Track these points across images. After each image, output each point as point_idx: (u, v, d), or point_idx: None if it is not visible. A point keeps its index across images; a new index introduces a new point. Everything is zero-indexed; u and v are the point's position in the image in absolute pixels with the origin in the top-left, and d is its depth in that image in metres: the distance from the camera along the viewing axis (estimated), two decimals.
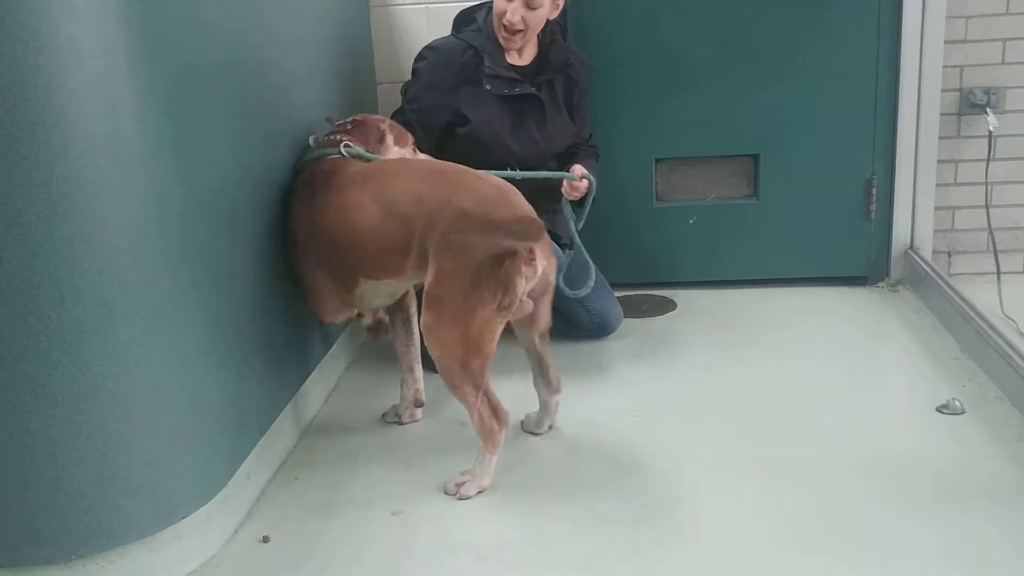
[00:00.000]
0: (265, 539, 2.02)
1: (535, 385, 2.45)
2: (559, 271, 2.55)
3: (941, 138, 3.48)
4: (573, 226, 2.87)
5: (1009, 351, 2.50)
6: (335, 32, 3.04)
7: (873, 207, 3.47)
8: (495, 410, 2.21)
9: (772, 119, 3.40)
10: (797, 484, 2.14)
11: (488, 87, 2.91)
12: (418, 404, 2.60)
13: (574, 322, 3.07)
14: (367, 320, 2.66)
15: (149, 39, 1.74)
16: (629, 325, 3.17)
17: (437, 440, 2.47)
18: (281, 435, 2.40)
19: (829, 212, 3.49)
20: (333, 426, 2.61)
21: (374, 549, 1.98)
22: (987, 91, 3.51)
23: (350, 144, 2.45)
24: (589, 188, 2.86)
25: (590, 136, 3.18)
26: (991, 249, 3.57)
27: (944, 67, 3.40)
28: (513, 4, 2.83)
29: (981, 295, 3.10)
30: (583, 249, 2.84)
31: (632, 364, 2.92)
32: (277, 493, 2.24)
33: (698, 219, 3.44)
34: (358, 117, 2.60)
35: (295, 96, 2.58)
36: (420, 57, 3.02)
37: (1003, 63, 3.51)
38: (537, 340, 2.39)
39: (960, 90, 3.54)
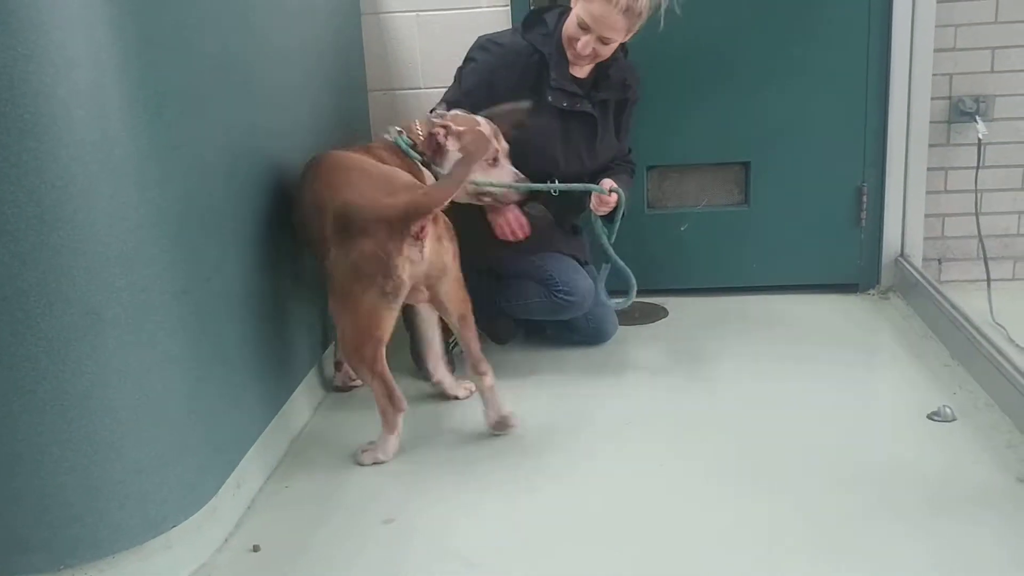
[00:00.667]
0: (255, 548, 2.01)
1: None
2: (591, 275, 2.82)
3: (931, 146, 3.49)
4: (606, 240, 2.80)
5: (999, 358, 2.51)
6: (326, 40, 3.04)
7: (864, 214, 3.48)
8: (390, 395, 2.35)
9: (763, 127, 3.41)
10: (788, 491, 2.14)
11: (550, 98, 2.84)
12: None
13: (571, 327, 3.09)
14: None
15: (139, 47, 1.74)
16: (621, 332, 3.18)
17: (428, 448, 2.46)
18: (271, 443, 2.39)
19: (820, 219, 3.50)
20: (324, 434, 2.60)
21: (365, 558, 1.97)
22: (976, 99, 3.53)
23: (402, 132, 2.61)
24: (618, 202, 2.79)
25: (629, 151, 3.14)
26: (981, 256, 3.59)
27: (934, 75, 3.42)
28: (586, 37, 2.75)
29: (971, 302, 3.11)
30: (619, 261, 2.80)
31: (624, 371, 2.92)
32: (267, 502, 2.23)
33: (689, 226, 3.45)
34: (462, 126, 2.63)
35: (285, 103, 2.58)
36: (482, 48, 2.91)
37: (992, 71, 3.52)
38: (457, 323, 2.49)
39: (950, 98, 3.56)
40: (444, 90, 3.46)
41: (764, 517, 2.04)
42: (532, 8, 2.97)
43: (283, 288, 2.50)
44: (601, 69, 2.94)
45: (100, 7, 1.63)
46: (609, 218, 2.84)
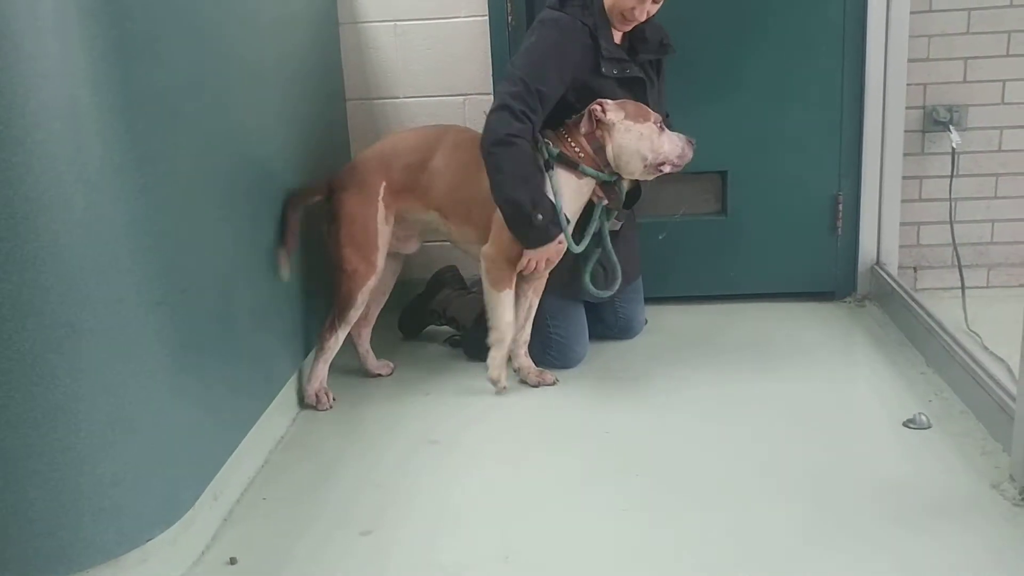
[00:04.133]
0: (232, 561, 2.00)
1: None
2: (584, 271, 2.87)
3: (906, 155, 3.52)
4: (605, 228, 2.86)
5: (973, 366, 2.53)
6: (303, 49, 3.03)
7: (840, 223, 3.50)
8: None
9: (740, 136, 3.43)
10: (755, 501, 2.15)
11: (604, 69, 2.79)
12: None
13: (601, 319, 3.16)
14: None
15: (112, 59, 1.73)
16: (598, 341, 3.18)
17: (406, 459, 2.45)
18: (249, 454, 2.38)
19: (796, 228, 3.52)
20: (302, 445, 2.59)
21: (344, 570, 1.96)
22: (950, 109, 3.56)
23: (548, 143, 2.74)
24: (616, 199, 2.84)
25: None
26: (956, 264, 3.62)
27: (908, 85, 3.45)
28: (646, 3, 2.74)
29: (947, 310, 3.13)
30: (613, 255, 2.86)
31: (602, 381, 2.92)
32: (245, 514, 2.22)
33: (667, 235, 3.46)
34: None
35: (262, 113, 2.57)
36: (543, 26, 2.79)
37: (965, 82, 3.56)
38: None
39: (924, 108, 3.59)
40: (423, 99, 3.47)
41: (733, 526, 2.04)
42: None
43: (261, 299, 2.49)
44: (636, 32, 2.91)
45: (73, 18, 1.62)
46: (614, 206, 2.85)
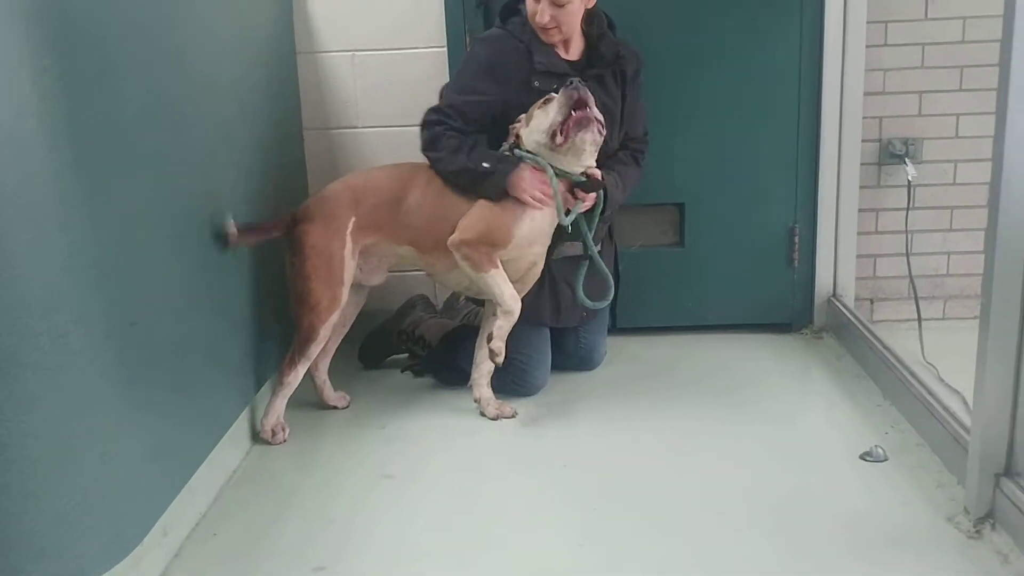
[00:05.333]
0: None
1: None
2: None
3: (862, 187, 3.55)
4: (589, 239, 2.81)
5: (929, 398, 2.54)
6: (260, 78, 3.01)
7: (796, 255, 3.52)
8: None
9: (697, 169, 3.45)
10: (721, 535, 2.14)
11: (536, 83, 2.79)
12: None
13: (562, 351, 3.14)
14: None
15: (63, 87, 1.70)
16: (558, 372, 3.16)
17: (362, 494, 2.42)
18: (200, 488, 2.33)
19: (753, 260, 3.53)
20: (255, 478, 2.54)
21: None
22: (906, 142, 3.61)
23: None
24: (598, 198, 2.77)
25: (645, 134, 3.08)
26: (912, 296, 3.64)
27: (864, 118, 3.48)
28: (541, 5, 2.74)
29: (903, 342, 3.15)
30: (601, 263, 2.85)
31: (561, 412, 2.90)
32: (195, 550, 2.17)
33: (625, 267, 3.46)
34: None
35: (218, 143, 2.54)
36: (477, 45, 2.91)
37: (920, 115, 3.61)
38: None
39: (880, 141, 3.64)
40: (381, 129, 3.46)
41: (686, 562, 2.03)
42: (503, 5, 2.95)
43: (213, 332, 2.45)
44: (591, 47, 2.92)
45: (21, 46, 1.59)
46: (590, 212, 2.80)
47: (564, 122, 2.60)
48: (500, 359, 2.76)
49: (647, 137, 3.11)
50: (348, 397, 3.05)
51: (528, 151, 2.71)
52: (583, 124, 2.59)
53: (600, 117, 2.65)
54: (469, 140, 2.76)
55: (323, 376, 3.01)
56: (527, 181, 2.66)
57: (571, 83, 2.59)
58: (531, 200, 2.66)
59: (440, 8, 3.39)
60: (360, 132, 3.52)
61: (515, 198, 2.67)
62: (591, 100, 2.61)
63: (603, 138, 2.68)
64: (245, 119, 2.81)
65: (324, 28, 3.44)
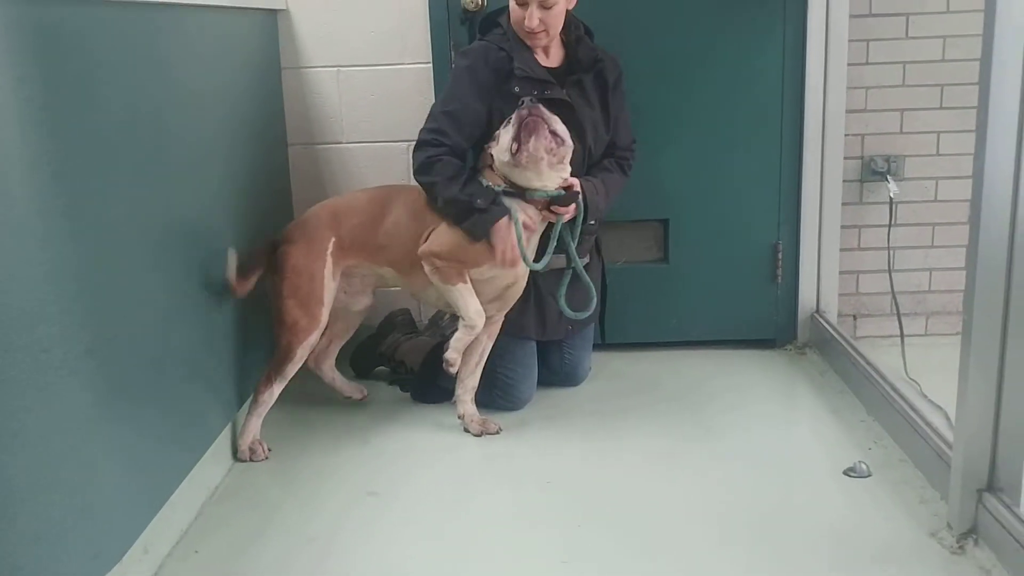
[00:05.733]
0: None
1: None
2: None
3: (844, 204, 3.57)
4: (573, 249, 2.80)
5: (912, 414, 2.55)
6: (245, 94, 3.00)
7: (779, 271, 3.53)
8: None
9: (681, 185, 3.45)
10: (705, 551, 2.14)
11: (517, 89, 2.77)
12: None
13: (545, 365, 3.13)
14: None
15: (43, 100, 1.70)
16: (543, 388, 3.15)
17: (345, 511, 2.41)
18: (182, 505, 2.32)
19: (737, 276, 3.54)
20: (237, 495, 2.53)
21: None
22: (887, 159, 3.63)
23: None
24: (578, 207, 2.74)
25: (633, 141, 3.08)
26: (895, 312, 3.66)
27: (846, 135, 3.50)
28: (529, 9, 2.73)
29: (886, 358, 3.17)
30: (585, 275, 2.85)
31: (545, 429, 2.90)
32: (176, 568, 2.16)
33: (609, 282, 3.46)
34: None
35: (200, 158, 2.53)
36: (458, 58, 2.92)
37: (901, 132, 3.63)
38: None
39: (862, 158, 3.65)
40: (366, 145, 3.47)
41: None
42: (482, 19, 2.97)
43: (195, 347, 2.44)
44: (569, 53, 2.92)
45: (0, 57, 1.59)
46: (572, 222, 2.78)
47: (518, 136, 2.60)
48: (453, 370, 2.77)
49: (634, 145, 3.11)
50: (364, 389, 3.14)
51: (501, 175, 2.70)
52: (531, 128, 2.58)
53: (559, 129, 2.64)
54: (464, 170, 2.75)
55: (330, 374, 3.09)
56: (504, 232, 2.65)
57: (522, 102, 2.61)
58: (500, 255, 2.66)
59: (425, 24, 3.39)
60: (345, 147, 3.51)
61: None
62: (544, 113, 2.61)
63: (564, 148, 2.66)
64: (229, 134, 2.81)
65: (309, 43, 3.44)
